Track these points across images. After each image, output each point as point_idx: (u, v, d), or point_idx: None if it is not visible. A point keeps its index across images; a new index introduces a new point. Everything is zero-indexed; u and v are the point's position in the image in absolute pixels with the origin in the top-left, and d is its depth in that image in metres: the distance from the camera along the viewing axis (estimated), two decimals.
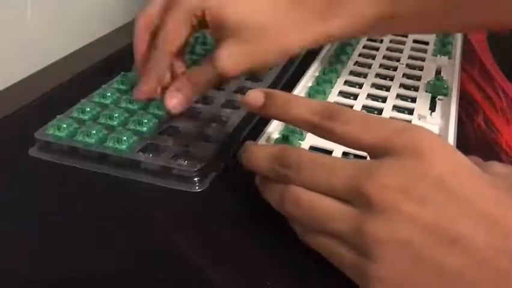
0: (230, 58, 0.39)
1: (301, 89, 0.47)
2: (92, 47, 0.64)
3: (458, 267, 0.25)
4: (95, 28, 0.66)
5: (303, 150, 0.30)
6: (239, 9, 0.38)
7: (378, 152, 0.28)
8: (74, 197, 0.36)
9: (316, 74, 0.50)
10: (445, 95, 0.47)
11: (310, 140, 0.40)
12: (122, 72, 0.49)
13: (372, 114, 0.30)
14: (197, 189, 0.37)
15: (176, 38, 0.40)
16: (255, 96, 0.33)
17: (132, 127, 0.41)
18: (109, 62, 0.58)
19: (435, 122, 0.43)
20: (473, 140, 0.44)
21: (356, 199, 0.27)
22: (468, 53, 0.60)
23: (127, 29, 0.69)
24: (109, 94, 0.45)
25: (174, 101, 0.41)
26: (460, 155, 0.28)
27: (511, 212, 0.25)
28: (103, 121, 0.42)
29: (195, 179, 0.37)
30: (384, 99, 0.47)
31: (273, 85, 0.50)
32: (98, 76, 0.55)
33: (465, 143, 0.42)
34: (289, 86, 0.48)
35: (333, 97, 0.47)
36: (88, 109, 0.42)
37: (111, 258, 0.31)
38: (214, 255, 0.32)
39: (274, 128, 0.41)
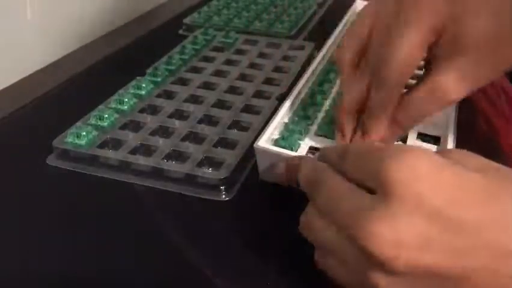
0: (458, 84, 0.32)
1: (301, 88, 0.47)
2: (92, 47, 0.64)
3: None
4: (95, 28, 0.66)
5: (330, 178, 0.29)
6: (481, 23, 0.31)
7: (371, 188, 0.26)
8: (96, 206, 0.36)
9: (317, 74, 0.50)
10: None
11: (310, 141, 0.40)
12: (137, 77, 0.49)
13: (366, 146, 0.29)
14: (223, 197, 0.37)
15: (411, 69, 0.33)
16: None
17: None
18: (109, 61, 0.58)
19: (435, 122, 0.43)
20: (473, 140, 0.44)
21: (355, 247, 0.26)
22: None
23: (127, 28, 0.69)
24: (126, 100, 0.45)
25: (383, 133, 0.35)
26: (453, 177, 0.25)
27: None
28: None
29: (221, 187, 0.37)
30: None
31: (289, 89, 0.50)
32: (98, 76, 0.55)
33: (465, 143, 0.42)
34: None
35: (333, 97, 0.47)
36: (106, 115, 0.42)
37: (131, 264, 0.32)
38: (214, 255, 0.32)
39: (274, 128, 0.41)
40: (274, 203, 0.37)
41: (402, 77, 0.33)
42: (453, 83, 0.32)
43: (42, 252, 0.32)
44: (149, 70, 0.51)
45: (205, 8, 0.70)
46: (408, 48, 0.32)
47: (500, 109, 0.48)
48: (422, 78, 0.34)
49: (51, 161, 0.40)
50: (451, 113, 0.43)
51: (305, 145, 0.40)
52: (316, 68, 0.51)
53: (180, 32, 0.65)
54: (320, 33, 0.64)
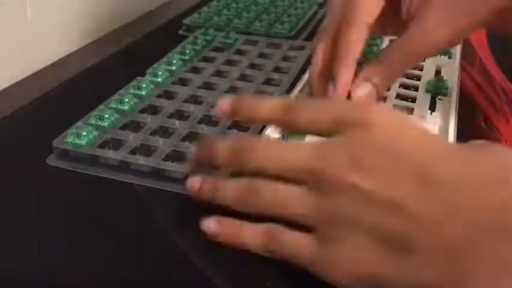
0: (440, 26, 0.36)
1: (301, 88, 0.47)
2: (92, 48, 0.64)
3: (399, 231, 0.25)
4: (95, 28, 0.66)
5: (258, 136, 0.31)
6: None
7: (332, 132, 0.29)
8: (96, 206, 0.36)
9: None
10: (445, 95, 0.47)
11: (310, 140, 0.40)
12: (138, 77, 0.49)
13: (325, 100, 0.33)
14: None
15: (376, 12, 0.39)
16: (223, 103, 0.34)
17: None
18: (109, 62, 0.58)
19: (436, 122, 0.43)
20: (473, 140, 0.44)
21: (309, 180, 0.28)
22: (468, 53, 0.60)
23: (128, 29, 0.69)
24: (127, 100, 0.45)
25: (360, 92, 0.38)
26: (409, 122, 0.29)
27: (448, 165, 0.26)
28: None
29: None
30: (384, 99, 0.47)
31: (289, 89, 0.50)
32: (97, 76, 0.55)
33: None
34: None
35: None
36: (107, 115, 0.42)
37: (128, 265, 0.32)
38: (214, 255, 0.32)
39: (274, 128, 0.41)
40: None
41: (368, 17, 0.38)
42: (435, 26, 0.36)
43: (43, 253, 0.32)
44: (150, 70, 0.51)
45: (205, 9, 0.70)
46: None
47: (500, 109, 0.48)
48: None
49: (52, 161, 0.40)
50: (451, 113, 0.43)
51: None
52: None
53: (180, 32, 0.65)
54: None
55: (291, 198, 0.29)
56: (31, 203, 0.36)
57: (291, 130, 0.32)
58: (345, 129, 0.28)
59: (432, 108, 0.45)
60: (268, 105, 0.32)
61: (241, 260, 0.31)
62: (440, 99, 0.47)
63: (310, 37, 0.63)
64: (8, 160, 0.41)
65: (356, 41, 0.37)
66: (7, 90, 0.53)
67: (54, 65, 0.59)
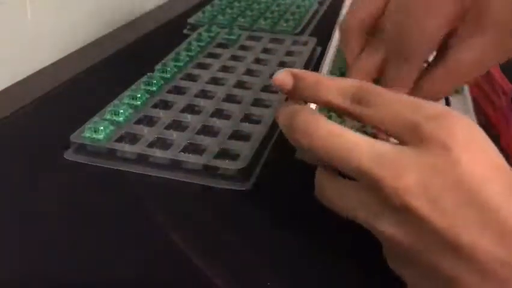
0: (475, 64, 0.33)
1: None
2: (93, 47, 0.63)
3: (456, 274, 0.24)
4: (95, 28, 0.66)
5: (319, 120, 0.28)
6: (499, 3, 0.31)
7: (405, 138, 0.26)
8: (114, 198, 0.36)
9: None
10: (458, 92, 0.47)
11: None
12: (148, 73, 0.49)
13: (406, 96, 0.27)
14: (240, 188, 0.37)
15: (437, 44, 0.33)
16: (283, 77, 0.30)
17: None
18: (110, 61, 0.58)
19: None
20: None
21: (374, 190, 0.26)
22: None
23: (128, 29, 0.69)
24: (139, 95, 0.45)
25: None
26: (495, 155, 0.25)
27: None
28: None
29: (238, 177, 0.37)
30: None
31: None
32: (99, 75, 0.54)
33: None
34: None
35: None
36: (121, 111, 0.42)
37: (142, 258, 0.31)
38: (214, 255, 0.31)
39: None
40: (287, 199, 0.36)
41: (428, 52, 0.32)
42: (471, 64, 0.32)
43: (64, 246, 0.32)
44: (158, 66, 0.51)
45: (208, 8, 0.71)
46: (438, 21, 0.31)
47: (500, 109, 0.48)
48: (437, 57, 0.34)
49: (69, 155, 0.40)
50: (470, 112, 0.43)
51: None
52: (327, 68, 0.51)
53: (185, 31, 0.65)
54: (323, 30, 0.64)
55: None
56: (53, 196, 0.36)
57: (358, 121, 0.28)
58: (420, 143, 0.25)
59: (447, 104, 0.45)
60: (335, 87, 0.29)
61: (241, 260, 0.31)
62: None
63: (314, 34, 0.64)
64: (9, 160, 0.40)
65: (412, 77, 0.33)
66: (7, 90, 0.52)
67: (54, 64, 0.58)
